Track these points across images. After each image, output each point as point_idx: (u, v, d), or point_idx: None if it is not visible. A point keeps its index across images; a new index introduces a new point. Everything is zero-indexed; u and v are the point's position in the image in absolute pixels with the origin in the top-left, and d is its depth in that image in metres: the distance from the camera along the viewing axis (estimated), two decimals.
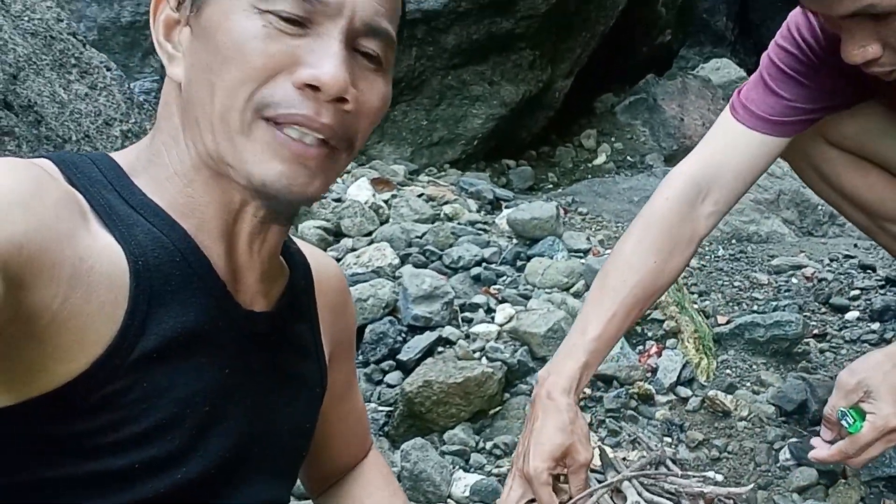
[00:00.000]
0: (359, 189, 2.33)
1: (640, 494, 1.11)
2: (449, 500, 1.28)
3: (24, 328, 0.61)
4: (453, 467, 1.34)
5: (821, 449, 1.09)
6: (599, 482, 1.15)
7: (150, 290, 0.68)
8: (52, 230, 0.62)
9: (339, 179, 2.46)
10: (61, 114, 1.67)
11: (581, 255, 1.86)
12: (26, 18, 1.91)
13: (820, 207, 2.84)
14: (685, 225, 1.20)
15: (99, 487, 0.67)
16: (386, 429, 1.46)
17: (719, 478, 1.17)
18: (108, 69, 1.96)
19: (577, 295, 1.69)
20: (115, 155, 0.75)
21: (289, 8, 0.67)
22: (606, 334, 1.15)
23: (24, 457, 0.64)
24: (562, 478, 1.11)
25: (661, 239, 1.19)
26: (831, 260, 2.18)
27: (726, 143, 1.22)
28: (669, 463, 1.19)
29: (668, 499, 1.11)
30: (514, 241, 1.98)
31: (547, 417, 1.09)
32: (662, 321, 1.60)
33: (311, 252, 0.90)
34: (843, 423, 1.06)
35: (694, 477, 1.13)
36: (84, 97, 1.76)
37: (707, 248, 2.35)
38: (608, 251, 1.89)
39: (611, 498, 1.12)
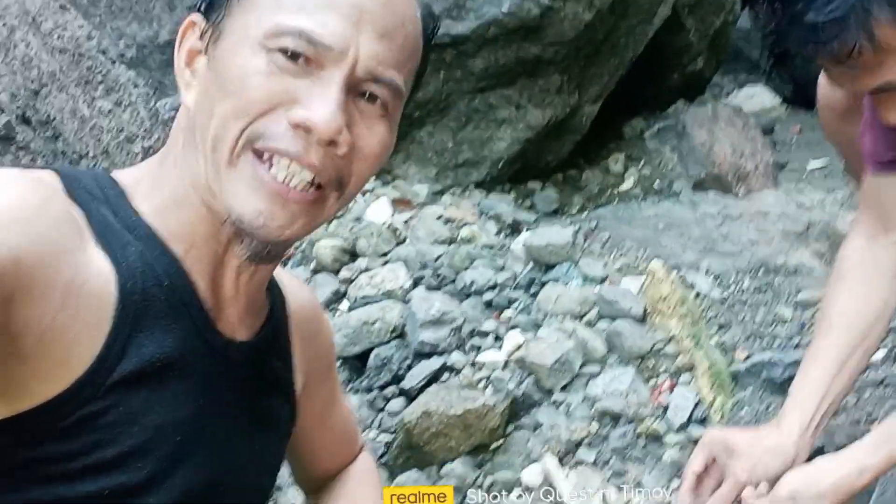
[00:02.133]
0: (378, 209, 2.32)
1: None
2: None
3: (10, 345, 0.61)
4: None
5: None
6: None
7: (135, 314, 0.68)
8: (49, 248, 0.62)
9: (360, 199, 2.45)
10: (81, 129, 1.68)
11: (596, 282, 1.81)
12: (56, 36, 1.94)
13: None
14: (881, 256, 1.29)
15: None
16: (384, 458, 1.42)
17: None
18: (136, 86, 1.98)
19: (590, 324, 1.65)
20: (116, 174, 0.76)
21: (293, 47, 0.68)
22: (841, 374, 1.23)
23: None
24: None
25: (865, 273, 1.28)
26: None
27: (873, 194, 1.31)
28: None
29: None
30: (530, 266, 1.94)
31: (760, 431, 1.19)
32: (675, 356, 1.54)
33: (284, 280, 0.91)
34: None
35: None
36: (108, 113, 1.78)
37: (732, 280, 2.28)
38: (625, 279, 1.84)
39: None
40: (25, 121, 1.65)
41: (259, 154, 0.69)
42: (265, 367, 0.83)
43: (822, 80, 1.38)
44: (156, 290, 0.70)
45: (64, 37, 1.96)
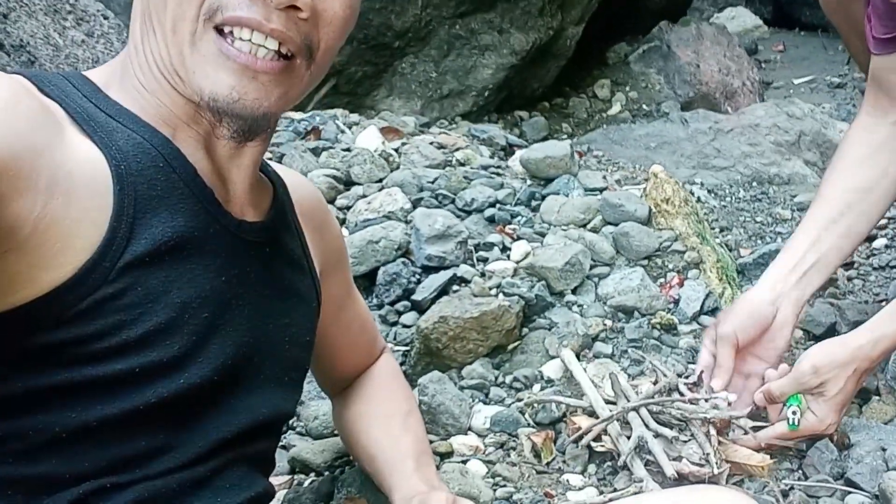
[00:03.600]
0: (368, 138, 2.29)
1: (646, 426, 1.08)
2: (469, 432, 1.25)
3: (3, 239, 0.60)
4: (472, 401, 1.30)
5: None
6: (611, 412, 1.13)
7: (136, 195, 0.68)
8: (25, 140, 0.61)
9: (347, 130, 2.42)
10: (56, 56, 1.64)
11: (597, 192, 1.81)
12: None
13: None
14: (881, 132, 1.32)
15: (100, 393, 0.66)
16: (403, 368, 1.42)
17: (733, 397, 1.14)
18: (105, 17, 1.92)
19: (595, 230, 1.64)
20: (87, 73, 0.75)
21: None
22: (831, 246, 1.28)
23: (20, 365, 0.64)
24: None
25: (863, 149, 1.32)
26: None
27: (875, 74, 1.33)
28: (683, 388, 1.16)
29: (676, 427, 1.08)
30: (528, 181, 1.93)
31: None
32: (683, 252, 1.55)
33: (283, 171, 0.91)
34: (788, 413, 1.12)
35: (705, 399, 1.10)
36: (81, 43, 1.73)
37: (727, 190, 2.29)
38: (625, 188, 1.84)
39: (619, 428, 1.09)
40: None
41: (220, 32, 0.68)
42: (282, 245, 0.83)
43: None
44: (153, 170, 0.69)
45: None
